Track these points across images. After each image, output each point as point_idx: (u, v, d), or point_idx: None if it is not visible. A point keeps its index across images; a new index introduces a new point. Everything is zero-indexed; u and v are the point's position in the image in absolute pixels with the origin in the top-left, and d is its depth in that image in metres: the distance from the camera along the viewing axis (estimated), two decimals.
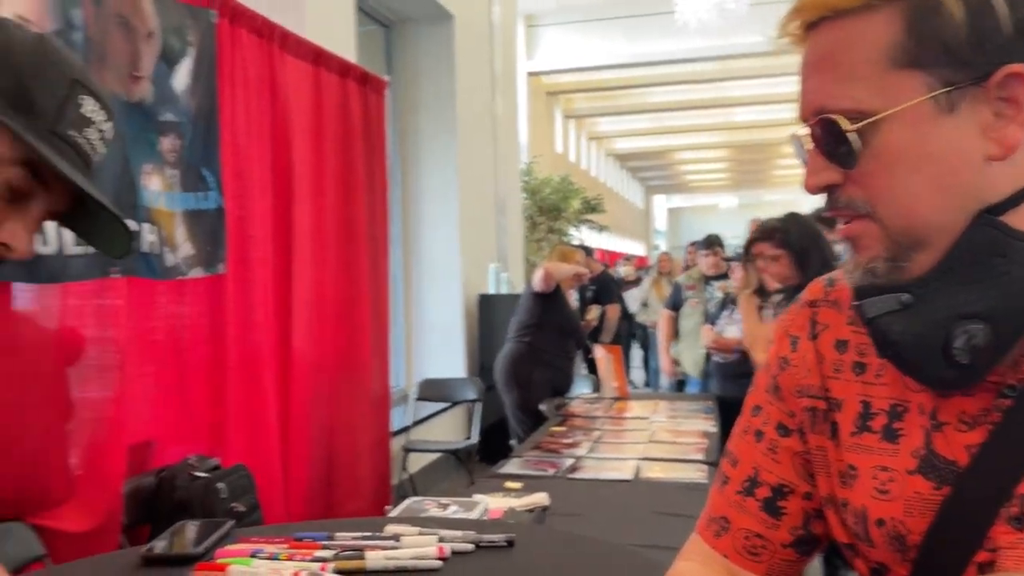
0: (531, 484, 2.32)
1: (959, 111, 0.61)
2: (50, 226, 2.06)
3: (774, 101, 15.24)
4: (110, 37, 2.32)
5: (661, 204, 34.98)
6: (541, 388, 3.97)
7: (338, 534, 1.15)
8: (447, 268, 5.45)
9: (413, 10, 5.38)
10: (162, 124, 2.52)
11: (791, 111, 0.68)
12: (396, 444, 4.34)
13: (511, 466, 2.69)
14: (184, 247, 2.60)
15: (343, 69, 3.60)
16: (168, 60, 2.55)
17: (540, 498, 2.12)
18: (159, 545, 1.12)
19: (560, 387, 4.14)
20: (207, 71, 2.70)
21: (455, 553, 1.10)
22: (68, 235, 2.12)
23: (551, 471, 2.59)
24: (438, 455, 4.99)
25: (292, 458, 3.16)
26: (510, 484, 2.33)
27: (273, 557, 1.07)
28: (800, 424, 0.76)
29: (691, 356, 4.86)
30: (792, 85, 0.69)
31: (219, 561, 1.06)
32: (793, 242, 2.84)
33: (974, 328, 0.60)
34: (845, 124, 0.63)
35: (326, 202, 3.44)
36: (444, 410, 5.15)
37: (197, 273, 2.65)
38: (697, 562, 0.79)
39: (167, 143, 2.55)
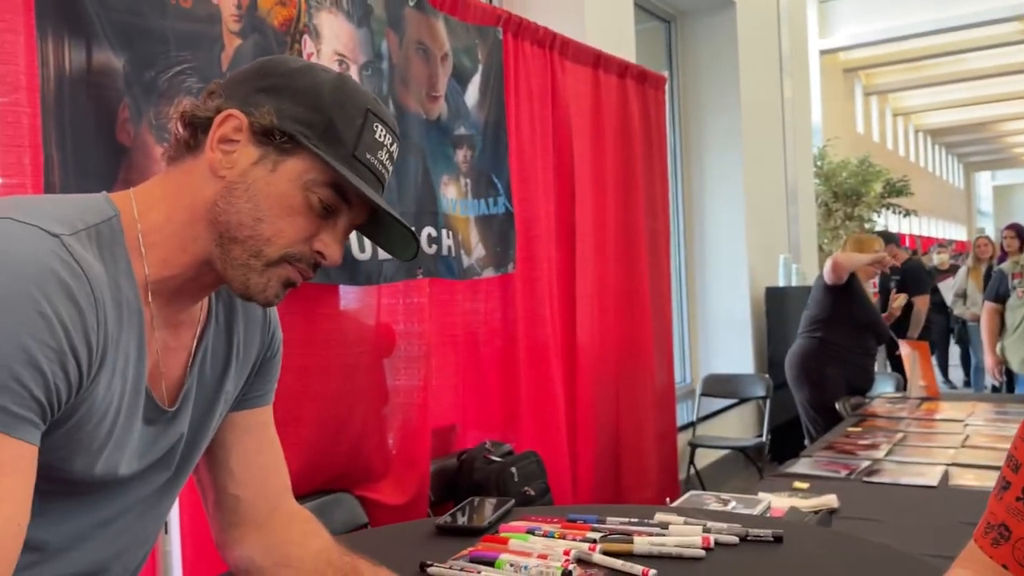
0: (820, 485, 2.23)
1: None
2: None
3: None
4: (411, 63, 2.59)
5: (985, 182, 31.07)
6: (835, 386, 3.74)
7: (609, 518, 1.21)
8: (733, 261, 5.33)
9: (693, 2, 5.33)
10: (456, 137, 2.76)
11: None
12: (682, 439, 4.34)
13: (800, 465, 2.59)
14: (477, 249, 2.82)
15: (621, 69, 3.68)
16: (460, 78, 2.78)
17: (828, 500, 2.03)
18: (451, 518, 1.25)
19: (858, 385, 3.87)
20: (495, 84, 2.91)
21: (720, 545, 1.11)
22: None
23: (843, 473, 2.46)
24: (726, 452, 4.90)
25: (579, 447, 3.30)
26: (798, 484, 2.26)
27: (548, 535, 1.15)
28: None
29: (1019, 352, 4.31)
30: None
31: (502, 535, 1.16)
32: None
33: None
34: None
35: (606, 200, 3.54)
36: (731, 407, 5.05)
37: (489, 273, 2.86)
38: (973, 570, 0.74)
39: (461, 154, 2.79)
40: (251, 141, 0.83)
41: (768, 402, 4.64)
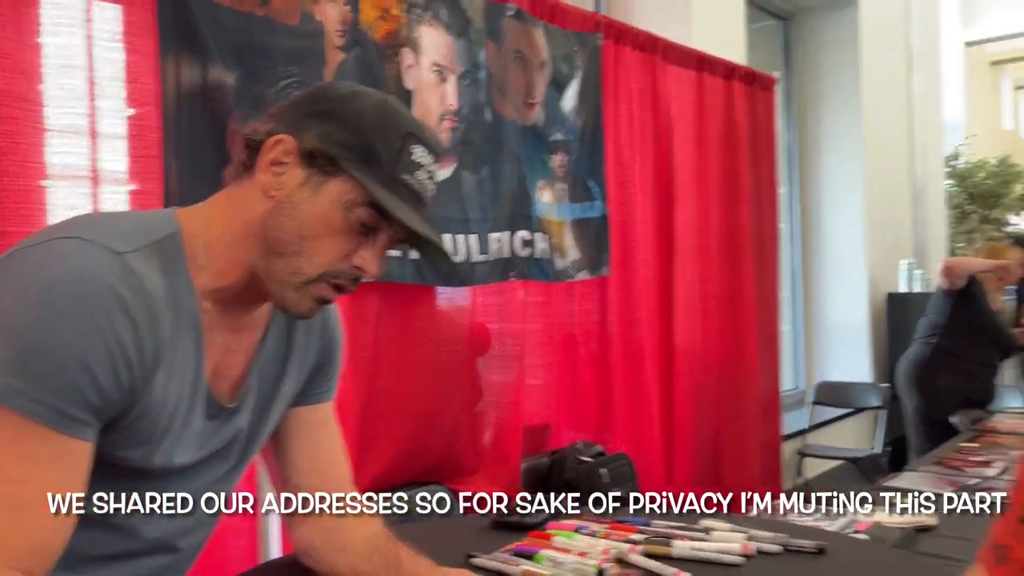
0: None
1: None
2: (460, 240, 2.45)
3: None
4: (508, 71, 2.66)
5: None
6: (948, 397, 3.55)
7: (655, 522, 1.23)
8: (851, 265, 5.14)
9: None
10: (552, 143, 2.81)
11: None
12: (790, 448, 4.23)
13: (903, 480, 2.50)
14: (572, 252, 2.86)
15: (727, 71, 3.63)
16: (557, 84, 2.83)
17: (924, 518, 1.96)
18: (505, 512, 1.31)
19: (975, 398, 3.65)
20: (593, 90, 2.94)
21: (761, 553, 1.12)
22: (474, 246, 2.50)
23: (950, 490, 2.36)
24: (839, 463, 4.73)
25: (676, 452, 3.28)
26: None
27: (593, 535, 1.19)
28: None
29: None
30: None
31: (549, 531, 1.21)
32: None
33: None
34: None
35: (710, 203, 3.50)
36: (846, 416, 4.87)
37: (583, 276, 2.90)
38: None
39: (557, 159, 2.83)
40: (299, 163, 0.91)
41: (886, 413, 4.46)
